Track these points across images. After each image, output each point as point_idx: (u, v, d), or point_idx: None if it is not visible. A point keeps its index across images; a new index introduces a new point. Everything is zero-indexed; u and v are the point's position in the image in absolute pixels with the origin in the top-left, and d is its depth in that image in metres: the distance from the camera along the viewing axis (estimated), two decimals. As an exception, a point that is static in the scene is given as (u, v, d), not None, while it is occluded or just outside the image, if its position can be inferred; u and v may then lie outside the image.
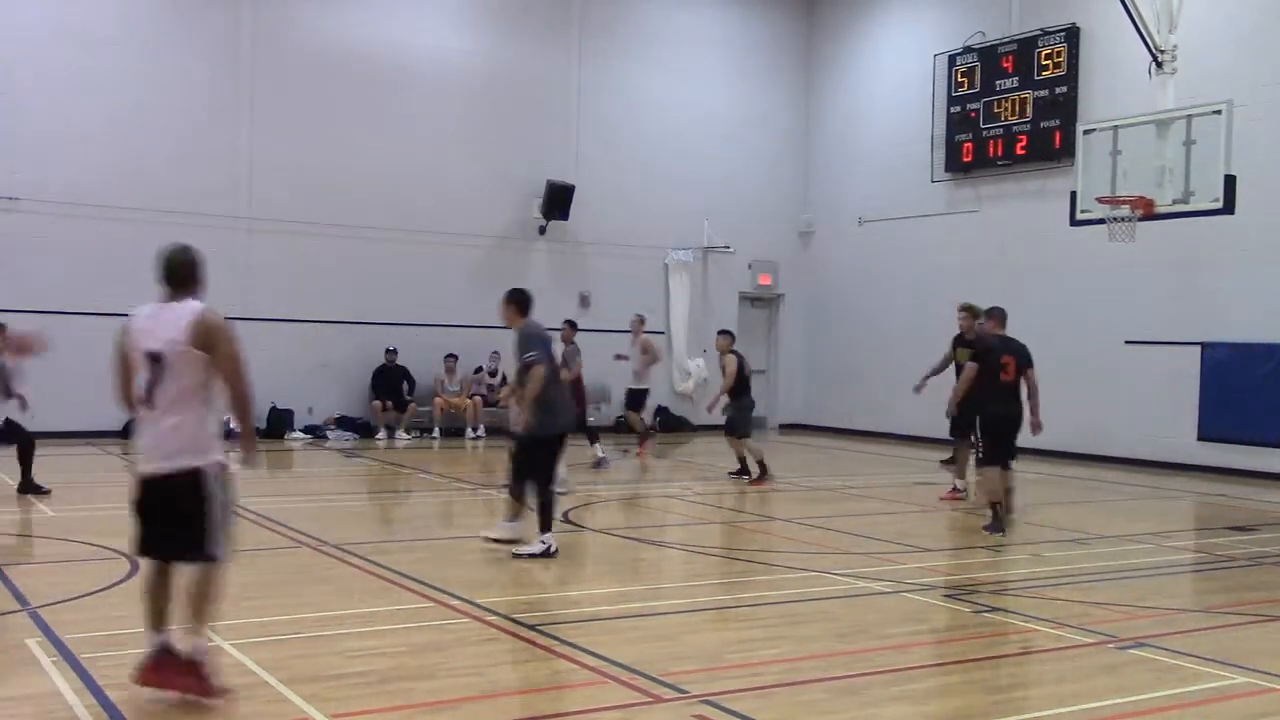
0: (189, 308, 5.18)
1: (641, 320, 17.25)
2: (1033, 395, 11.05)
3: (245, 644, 6.13)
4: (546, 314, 19.71)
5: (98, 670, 5.61)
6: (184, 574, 5.29)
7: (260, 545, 9.44)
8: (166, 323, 5.14)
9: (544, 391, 8.85)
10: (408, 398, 19.26)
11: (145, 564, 5.44)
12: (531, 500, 9.11)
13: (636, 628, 7.02)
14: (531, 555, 8.84)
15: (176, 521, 5.14)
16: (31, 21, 16.99)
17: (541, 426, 8.93)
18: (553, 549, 8.90)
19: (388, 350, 19.21)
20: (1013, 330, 12.23)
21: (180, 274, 5.28)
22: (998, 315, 11.24)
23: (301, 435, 18.46)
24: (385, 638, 6.56)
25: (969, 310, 12.66)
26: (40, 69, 16.93)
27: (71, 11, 17.23)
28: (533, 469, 9.04)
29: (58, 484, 11.94)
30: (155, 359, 5.12)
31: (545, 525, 8.99)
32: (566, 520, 11.03)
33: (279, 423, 18.42)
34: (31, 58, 16.89)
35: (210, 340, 5.12)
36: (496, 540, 9.17)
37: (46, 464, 12.55)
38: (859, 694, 5.67)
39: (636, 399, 17.02)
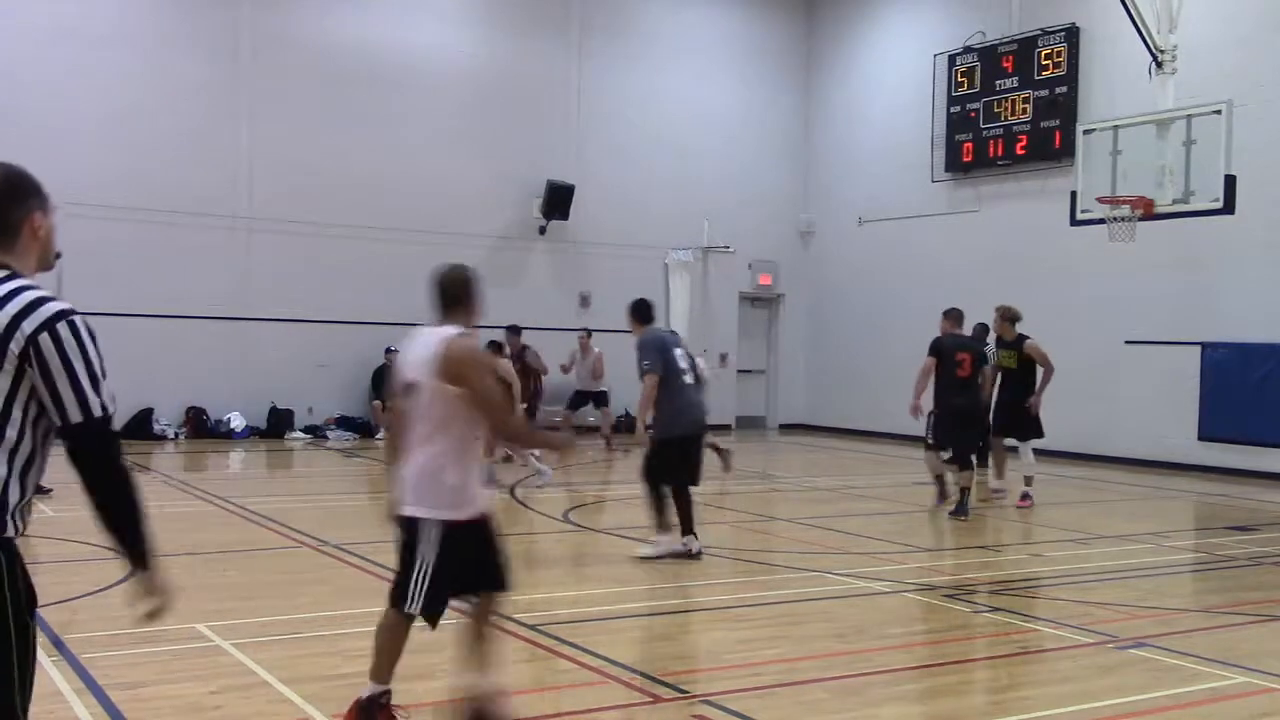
0: (441, 334, 4.74)
1: (588, 334, 18.38)
2: (984, 389, 12.17)
3: (245, 644, 6.12)
4: (547, 314, 19.92)
5: (98, 670, 5.61)
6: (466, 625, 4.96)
7: (260, 545, 9.46)
8: (422, 349, 4.75)
9: (662, 397, 8.91)
10: None
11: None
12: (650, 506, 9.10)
13: (636, 628, 7.03)
14: (658, 556, 8.83)
15: (401, 565, 4.85)
16: (32, 21, 16.99)
17: (661, 430, 9.01)
18: (695, 550, 8.88)
19: (388, 350, 19.16)
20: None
21: (444, 294, 4.88)
22: (953, 316, 12.17)
23: (301, 435, 18.46)
24: (385, 638, 6.55)
25: (1006, 313, 12.82)
26: (40, 69, 16.92)
27: (72, 11, 17.22)
28: (665, 473, 9.06)
29: (58, 484, 11.93)
30: (409, 389, 4.77)
31: (685, 526, 8.97)
32: (567, 520, 11.04)
33: (279, 423, 18.42)
34: (32, 58, 16.88)
35: (457, 371, 4.62)
36: (651, 558, 8.96)
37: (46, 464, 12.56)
38: (859, 694, 5.68)
39: (600, 398, 18.17)
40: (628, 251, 21.43)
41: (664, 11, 22.06)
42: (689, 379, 9.09)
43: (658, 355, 9.03)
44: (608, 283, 21.24)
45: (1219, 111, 12.74)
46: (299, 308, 18.74)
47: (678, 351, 9.12)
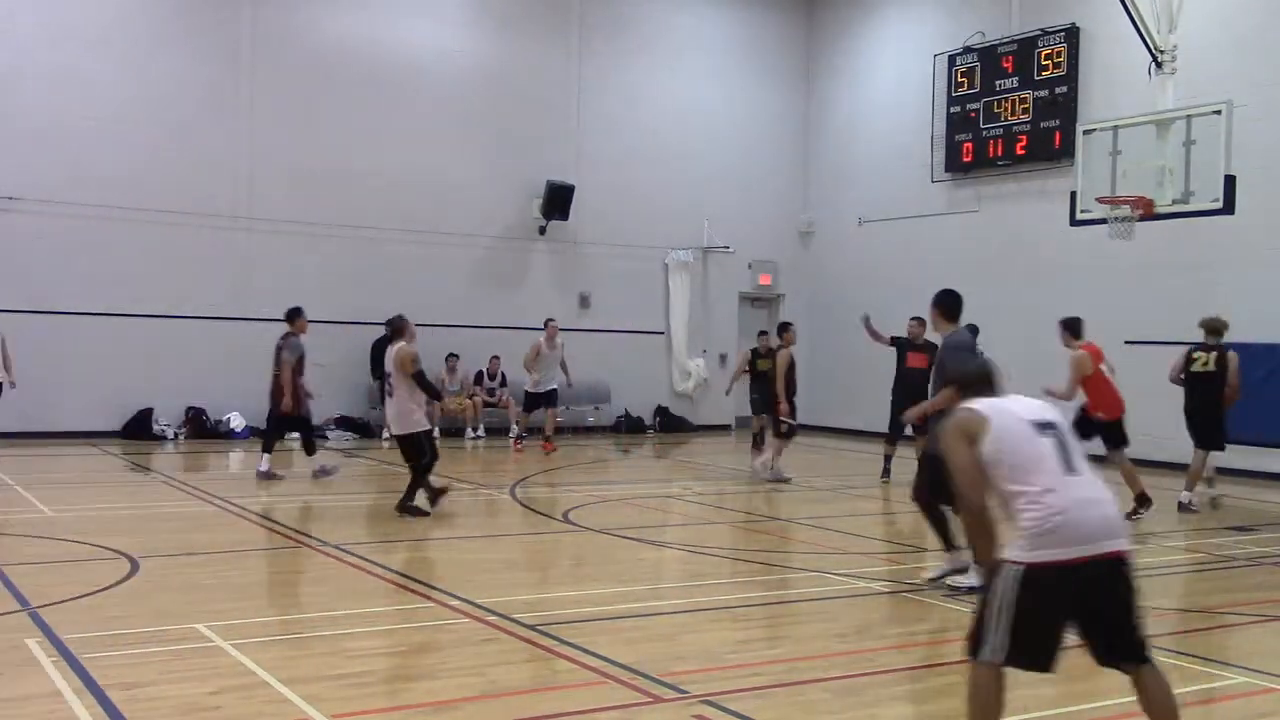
0: None
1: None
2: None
3: (245, 644, 6.12)
4: (546, 314, 19.80)
5: (98, 670, 5.61)
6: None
7: (260, 545, 9.45)
8: None
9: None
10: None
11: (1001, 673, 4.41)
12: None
13: (636, 628, 7.02)
14: (970, 589, 7.60)
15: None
16: (32, 21, 16.99)
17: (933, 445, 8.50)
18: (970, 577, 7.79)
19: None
20: (1013, 330, 12.30)
21: None
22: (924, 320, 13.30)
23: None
24: (385, 638, 6.56)
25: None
26: (41, 69, 16.91)
27: (72, 11, 17.22)
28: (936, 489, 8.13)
29: (58, 483, 11.93)
30: None
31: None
32: (567, 520, 11.05)
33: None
34: (32, 58, 16.88)
35: None
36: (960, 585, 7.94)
37: (46, 464, 12.57)
38: (859, 694, 5.67)
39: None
40: (628, 251, 21.43)
41: (664, 11, 22.06)
42: None
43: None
44: (608, 283, 21.26)
45: (1219, 111, 12.72)
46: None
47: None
